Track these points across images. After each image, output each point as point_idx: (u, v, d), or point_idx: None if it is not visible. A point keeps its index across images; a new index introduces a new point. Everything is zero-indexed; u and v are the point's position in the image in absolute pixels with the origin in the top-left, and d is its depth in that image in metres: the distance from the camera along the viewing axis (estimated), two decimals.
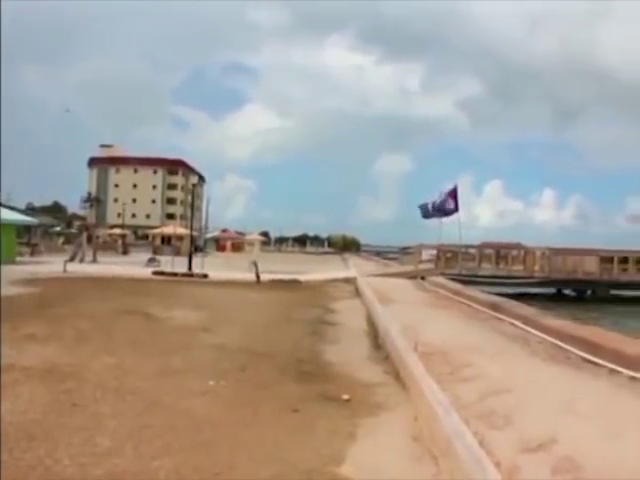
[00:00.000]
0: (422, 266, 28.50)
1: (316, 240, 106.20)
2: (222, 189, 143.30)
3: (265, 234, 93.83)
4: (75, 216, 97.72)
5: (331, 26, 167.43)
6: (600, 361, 6.39)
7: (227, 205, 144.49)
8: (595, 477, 3.10)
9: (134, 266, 24.81)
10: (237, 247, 65.22)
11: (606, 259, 30.95)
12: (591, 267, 30.44)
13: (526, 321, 9.53)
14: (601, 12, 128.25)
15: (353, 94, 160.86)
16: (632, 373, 5.71)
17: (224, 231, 77.78)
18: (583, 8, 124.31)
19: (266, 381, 6.06)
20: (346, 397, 5.45)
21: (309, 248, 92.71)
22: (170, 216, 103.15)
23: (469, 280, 24.75)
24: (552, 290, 31.46)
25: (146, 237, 70.64)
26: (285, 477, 3.65)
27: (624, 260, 31.51)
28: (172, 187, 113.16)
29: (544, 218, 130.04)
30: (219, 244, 66.70)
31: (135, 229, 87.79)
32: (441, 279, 22.57)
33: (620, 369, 5.94)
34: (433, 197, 30.47)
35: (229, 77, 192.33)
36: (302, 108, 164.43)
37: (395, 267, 33.60)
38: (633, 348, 6.50)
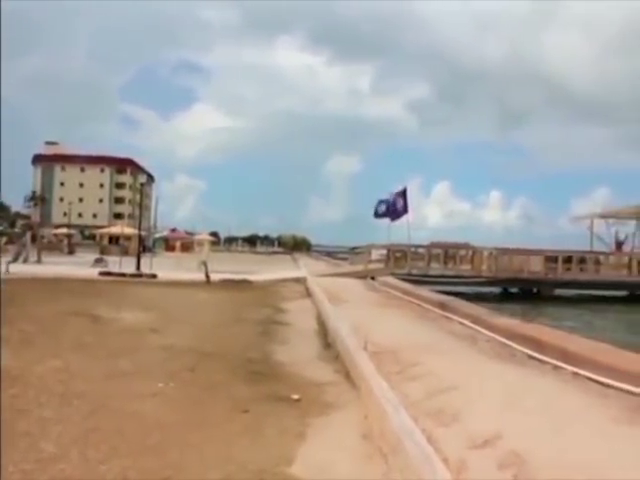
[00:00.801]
0: (372, 266, 28.72)
1: (266, 240, 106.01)
2: (171, 189, 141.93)
3: (215, 234, 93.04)
4: (19, 215, 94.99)
5: (282, 26, 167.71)
6: (545, 358, 6.55)
7: (176, 205, 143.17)
8: (539, 470, 3.18)
9: (81, 266, 24.30)
10: (186, 247, 64.53)
11: (551, 259, 31.78)
12: (536, 267, 31.20)
13: (474, 320, 9.69)
14: (547, 17, 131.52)
15: (303, 94, 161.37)
16: (575, 369, 5.88)
17: (173, 231, 76.99)
18: (530, 13, 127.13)
19: (216, 382, 6.03)
20: (296, 397, 5.46)
21: (259, 248, 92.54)
22: (118, 215, 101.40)
23: (418, 280, 25.03)
24: (499, 289, 32.08)
25: (93, 237, 69.15)
26: (235, 478, 3.64)
27: (568, 260, 32.40)
28: (120, 186, 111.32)
29: (491, 219, 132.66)
30: (168, 244, 65.93)
31: (82, 229, 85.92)
32: (391, 279, 22.78)
33: (564, 365, 6.11)
34: (384, 197, 30.80)
35: (179, 76, 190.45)
36: (253, 108, 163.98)
37: (345, 267, 33.77)
38: (576, 345, 6.69)
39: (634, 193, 41.18)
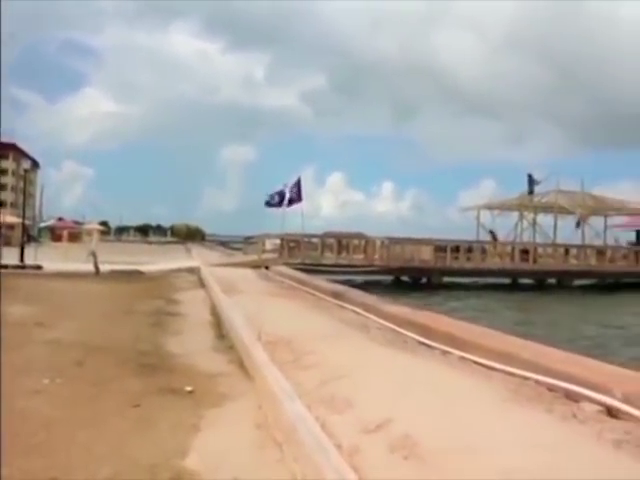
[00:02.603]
0: (266, 256, 28.77)
1: (159, 230, 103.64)
2: (59, 176, 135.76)
3: (105, 223, 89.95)
4: None
5: (176, 11, 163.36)
6: (434, 343, 6.78)
7: (64, 193, 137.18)
8: (429, 450, 3.28)
9: None
10: (74, 237, 62.01)
11: (440, 248, 33.00)
12: (426, 256, 32.28)
13: (367, 308, 9.89)
14: (439, 15, 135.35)
15: (198, 81, 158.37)
16: (462, 353, 6.13)
17: (60, 220, 73.83)
18: (422, 10, 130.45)
19: (105, 376, 5.85)
20: (189, 389, 5.38)
21: (151, 238, 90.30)
22: None
23: (312, 269, 25.28)
24: (391, 278, 32.90)
25: None
26: (127, 475, 3.55)
27: (456, 249, 33.75)
28: (2, 172, 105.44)
29: (384, 209, 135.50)
30: (54, 234, 63.17)
31: None
32: (285, 268, 22.87)
33: (451, 350, 6.35)
34: (278, 187, 30.84)
35: (67, 58, 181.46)
36: (145, 93, 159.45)
37: (239, 257, 33.61)
38: (462, 331, 6.97)
39: (517, 185, 43.12)
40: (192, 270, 21.22)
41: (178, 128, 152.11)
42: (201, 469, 3.61)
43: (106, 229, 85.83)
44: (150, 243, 72.73)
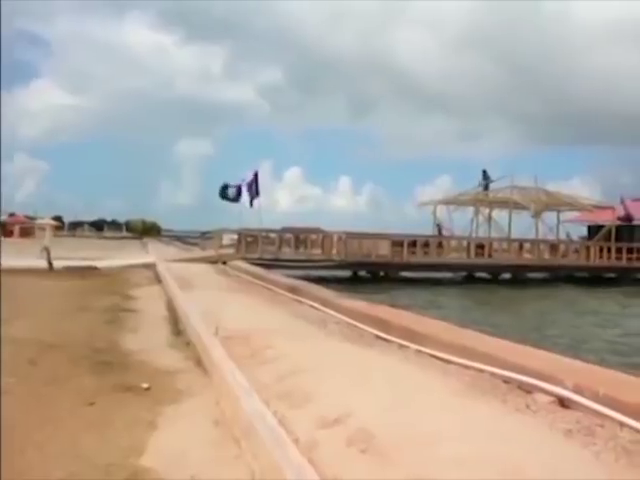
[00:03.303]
0: (223, 251, 28.60)
1: (114, 225, 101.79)
2: (9, 170, 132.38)
3: (58, 218, 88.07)
4: None
5: (131, 2, 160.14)
6: (391, 337, 6.84)
7: (15, 187, 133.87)
8: (386, 443, 3.32)
9: None
10: (26, 232, 60.77)
11: (397, 243, 33.27)
12: (384, 250, 32.51)
13: (324, 303, 9.92)
14: (397, 12, 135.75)
15: (154, 74, 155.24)
16: (418, 347, 6.19)
17: (12, 215, 72.23)
18: (381, 7, 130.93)
19: (59, 375, 5.74)
20: (146, 386, 5.32)
21: (107, 233, 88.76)
22: None
23: (270, 264, 25.24)
24: (349, 272, 33.04)
25: None
26: (82, 475, 3.49)
27: (413, 244, 34.07)
28: None
29: (341, 204, 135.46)
30: (5, 229, 61.70)
31: None
32: (242, 264, 22.78)
33: (408, 344, 6.42)
34: (235, 182, 30.69)
35: (17, 47, 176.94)
36: (100, 85, 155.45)
37: (196, 252, 33.37)
38: (419, 324, 7.05)
39: (472, 181, 43.72)
40: (148, 266, 20.97)
41: (134, 121, 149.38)
42: (158, 467, 3.57)
43: (60, 224, 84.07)
44: (105, 238, 71.59)
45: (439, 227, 40.76)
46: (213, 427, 4.29)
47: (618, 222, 40.89)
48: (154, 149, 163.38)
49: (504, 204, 42.14)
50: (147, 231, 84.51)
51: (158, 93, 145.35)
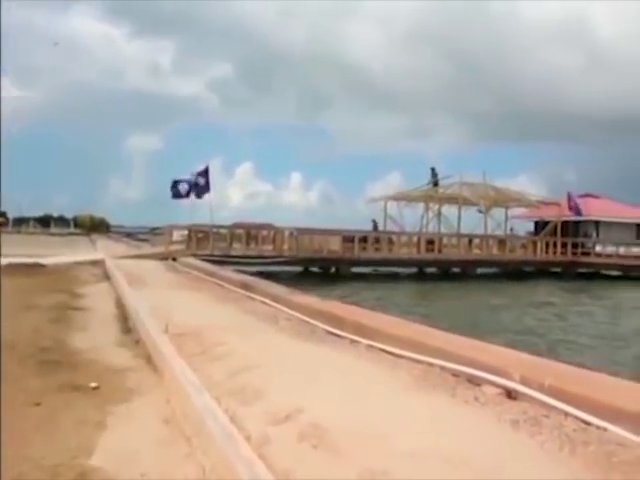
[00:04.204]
0: (173, 247, 28.34)
1: (61, 221, 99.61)
2: None
3: (2, 214, 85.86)
4: None
5: None
6: (343, 333, 6.88)
7: None
8: (337, 438, 3.35)
9: None
10: None
11: (348, 239, 33.49)
12: (335, 246, 32.67)
13: (276, 299, 9.91)
14: (348, 9, 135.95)
15: (103, 67, 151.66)
16: (370, 342, 6.24)
17: None
18: (331, 1, 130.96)
19: (3, 375, 5.59)
20: (94, 385, 5.23)
21: (53, 229, 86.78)
22: None
23: (221, 260, 25.13)
24: (300, 268, 33.10)
25: None
26: (29, 476, 3.41)
27: (364, 239, 34.31)
28: None
29: (292, 200, 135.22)
30: None
31: None
32: (193, 260, 22.59)
33: (359, 339, 6.46)
34: (185, 177, 30.41)
35: None
36: (45, 77, 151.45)
37: (146, 248, 32.88)
38: (370, 319, 7.10)
39: (422, 177, 44.37)
40: (97, 263, 20.58)
41: (81, 115, 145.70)
42: (107, 467, 3.52)
43: (4, 220, 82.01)
44: (52, 235, 69.99)
45: (374, 223, 41.12)
46: (164, 425, 4.25)
47: (564, 217, 41.92)
48: (103, 143, 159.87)
49: (453, 200, 42.82)
50: (95, 227, 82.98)
51: (107, 86, 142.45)
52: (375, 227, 40.64)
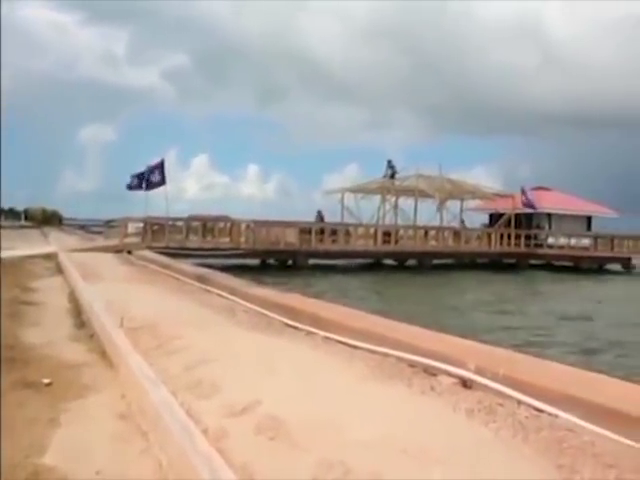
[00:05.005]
0: (128, 240, 27.94)
1: (12, 213, 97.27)
2: None
3: None
4: None
5: None
6: (299, 325, 6.89)
7: None
8: (294, 429, 3.37)
9: None
10: None
11: (305, 231, 33.49)
12: (292, 238, 32.67)
13: (233, 292, 9.86)
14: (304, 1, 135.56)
15: (54, 56, 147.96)
16: (326, 333, 6.27)
17: None
18: None
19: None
20: (47, 381, 5.13)
21: (4, 222, 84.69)
22: None
23: (177, 253, 24.94)
24: (257, 261, 33.02)
25: None
26: None
27: (321, 231, 34.34)
28: None
29: (249, 192, 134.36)
30: None
31: None
32: (148, 253, 22.36)
33: (316, 331, 6.49)
34: (140, 169, 30.05)
35: None
36: None
37: (100, 241, 32.35)
38: (327, 311, 7.13)
39: (379, 170, 44.57)
40: (49, 256, 20.19)
41: (31, 105, 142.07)
42: (61, 465, 3.46)
43: None
44: (2, 228, 68.38)
45: (320, 214, 40.78)
46: (119, 421, 4.20)
47: (518, 210, 42.62)
48: (55, 134, 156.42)
49: (410, 192, 43.15)
50: (48, 220, 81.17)
51: (59, 76, 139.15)
52: (321, 218, 40.36)
